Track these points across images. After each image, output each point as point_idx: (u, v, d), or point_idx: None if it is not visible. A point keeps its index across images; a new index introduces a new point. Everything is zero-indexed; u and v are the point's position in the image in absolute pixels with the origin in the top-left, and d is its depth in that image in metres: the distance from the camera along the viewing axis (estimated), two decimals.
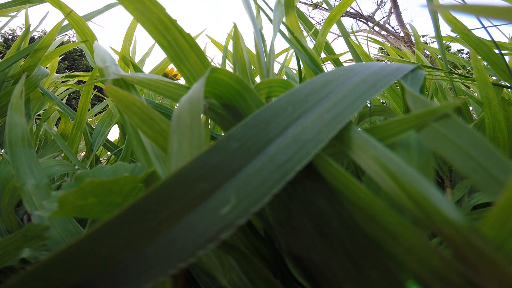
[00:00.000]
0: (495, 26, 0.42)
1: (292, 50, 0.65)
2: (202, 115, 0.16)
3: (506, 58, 0.49)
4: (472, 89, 0.74)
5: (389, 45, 0.85)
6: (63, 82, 0.78)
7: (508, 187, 0.10)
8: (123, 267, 0.09)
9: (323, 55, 0.54)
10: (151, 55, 0.84)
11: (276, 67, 0.87)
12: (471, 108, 0.60)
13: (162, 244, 0.10)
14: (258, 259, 0.18)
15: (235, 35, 0.37)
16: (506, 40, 0.59)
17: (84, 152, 0.59)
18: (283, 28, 0.43)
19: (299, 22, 0.44)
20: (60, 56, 0.61)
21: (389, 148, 0.12)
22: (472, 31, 0.40)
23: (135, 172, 0.17)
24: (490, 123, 0.34)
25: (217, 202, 0.10)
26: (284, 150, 0.12)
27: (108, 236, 0.10)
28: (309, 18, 0.57)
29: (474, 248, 0.09)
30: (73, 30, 0.54)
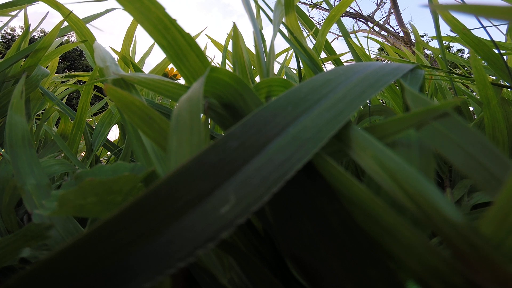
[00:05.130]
0: (495, 26, 0.42)
1: (292, 50, 0.64)
2: (201, 115, 0.16)
3: (506, 58, 0.49)
4: (471, 89, 0.74)
5: (389, 45, 0.85)
6: (63, 82, 0.78)
7: (507, 185, 0.10)
8: (122, 267, 0.09)
9: (323, 55, 0.54)
10: (151, 55, 0.85)
11: (276, 67, 0.88)
12: (471, 108, 0.60)
13: (161, 243, 0.10)
14: (258, 259, 0.18)
15: (235, 35, 0.37)
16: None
17: (84, 152, 0.59)
18: (283, 28, 0.43)
19: (299, 22, 0.44)
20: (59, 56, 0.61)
21: (389, 147, 0.12)
22: (471, 31, 0.40)
23: (135, 171, 0.17)
24: (490, 122, 0.34)
25: (216, 201, 0.10)
26: (284, 149, 0.12)
27: (107, 235, 0.10)
28: (309, 18, 0.57)
29: (473, 247, 0.09)
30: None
